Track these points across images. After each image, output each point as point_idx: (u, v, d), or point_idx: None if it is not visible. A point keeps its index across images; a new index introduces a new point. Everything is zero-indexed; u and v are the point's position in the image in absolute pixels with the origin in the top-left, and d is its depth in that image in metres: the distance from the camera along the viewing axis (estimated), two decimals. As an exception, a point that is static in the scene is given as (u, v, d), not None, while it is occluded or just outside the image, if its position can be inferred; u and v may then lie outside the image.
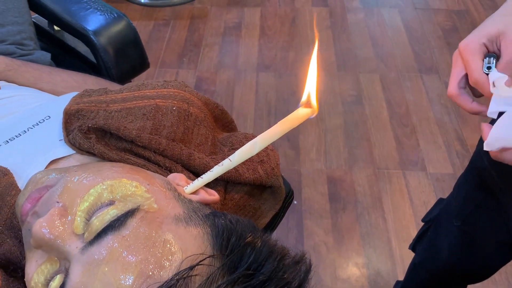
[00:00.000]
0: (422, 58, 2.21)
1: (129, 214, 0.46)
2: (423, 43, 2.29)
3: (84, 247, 0.44)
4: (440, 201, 1.02)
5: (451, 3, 2.54)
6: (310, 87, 0.51)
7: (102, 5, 0.99)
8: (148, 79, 1.31)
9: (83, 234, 0.45)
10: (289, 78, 2.09)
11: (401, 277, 1.34)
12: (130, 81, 1.01)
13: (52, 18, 1.03)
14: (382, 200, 1.64)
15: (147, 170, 0.58)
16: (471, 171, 0.88)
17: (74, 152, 0.63)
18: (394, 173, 1.72)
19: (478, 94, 0.58)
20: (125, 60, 0.98)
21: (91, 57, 1.00)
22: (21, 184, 0.59)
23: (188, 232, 0.46)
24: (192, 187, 0.56)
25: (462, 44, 0.57)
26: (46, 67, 0.87)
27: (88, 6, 0.99)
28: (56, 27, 1.14)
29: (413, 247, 1.11)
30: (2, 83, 0.81)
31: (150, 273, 0.42)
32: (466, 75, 0.58)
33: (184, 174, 0.61)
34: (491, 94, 0.54)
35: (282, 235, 1.51)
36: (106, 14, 0.97)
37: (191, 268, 0.42)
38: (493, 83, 0.53)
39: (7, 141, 0.65)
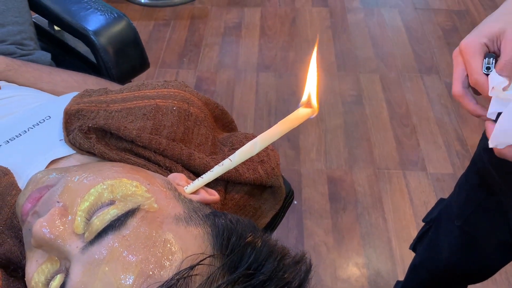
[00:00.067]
0: (422, 58, 2.21)
1: (130, 213, 0.46)
2: (423, 43, 2.29)
3: (85, 246, 0.44)
4: (440, 201, 1.02)
5: (451, 3, 2.54)
6: (311, 87, 0.51)
7: (102, 5, 0.99)
8: (148, 79, 1.31)
9: (84, 233, 0.45)
10: (289, 78, 2.09)
11: (401, 277, 1.34)
12: (130, 81, 1.01)
13: (53, 18, 1.03)
14: (382, 200, 1.64)
15: (148, 170, 0.58)
16: (472, 171, 0.88)
17: (75, 152, 0.63)
18: (394, 173, 1.72)
19: (478, 92, 0.58)
20: (125, 60, 0.98)
21: (91, 57, 1.01)
22: (21, 184, 0.59)
23: (189, 232, 0.46)
24: (192, 187, 0.56)
25: (463, 43, 0.56)
26: (46, 67, 0.87)
27: (89, 6, 0.99)
28: (56, 27, 1.14)
29: (413, 247, 1.11)
30: (2, 83, 0.81)
31: (151, 272, 0.42)
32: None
33: (185, 174, 0.61)
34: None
35: (282, 235, 1.51)
36: (106, 14, 0.97)
37: (192, 267, 0.42)
38: (493, 87, 0.53)
39: (7, 141, 0.65)
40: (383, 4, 2.53)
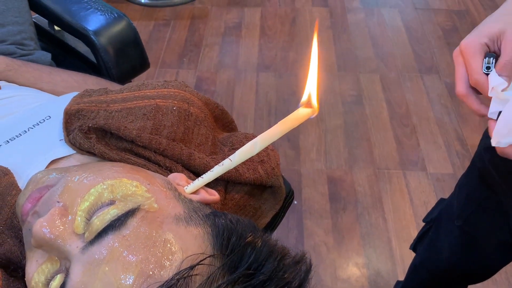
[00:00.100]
0: (422, 58, 2.21)
1: (130, 213, 0.46)
2: (423, 43, 2.29)
3: (85, 246, 0.44)
4: (441, 201, 1.02)
5: (451, 3, 2.54)
6: (311, 87, 0.51)
7: (103, 5, 0.99)
8: (148, 79, 1.31)
9: (84, 233, 0.45)
10: (289, 78, 2.09)
11: (401, 277, 1.34)
12: (130, 81, 1.01)
13: (53, 18, 1.03)
14: (382, 200, 1.64)
15: (148, 170, 0.58)
16: (472, 171, 0.88)
17: (75, 152, 0.63)
18: (394, 173, 1.72)
19: (479, 92, 0.59)
20: (125, 60, 0.98)
21: (91, 57, 1.01)
22: (21, 184, 0.59)
23: (189, 232, 0.46)
24: (192, 187, 0.56)
25: (463, 43, 0.57)
26: (46, 67, 0.87)
27: (89, 6, 0.99)
28: (56, 27, 1.14)
29: (414, 247, 1.11)
30: (2, 83, 0.81)
31: (151, 272, 0.42)
32: None
33: (185, 174, 0.61)
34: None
35: (282, 235, 1.51)
36: (106, 14, 0.97)
37: (192, 267, 0.42)
38: (492, 88, 0.53)
39: (7, 141, 0.65)
40: (383, 4, 2.53)
